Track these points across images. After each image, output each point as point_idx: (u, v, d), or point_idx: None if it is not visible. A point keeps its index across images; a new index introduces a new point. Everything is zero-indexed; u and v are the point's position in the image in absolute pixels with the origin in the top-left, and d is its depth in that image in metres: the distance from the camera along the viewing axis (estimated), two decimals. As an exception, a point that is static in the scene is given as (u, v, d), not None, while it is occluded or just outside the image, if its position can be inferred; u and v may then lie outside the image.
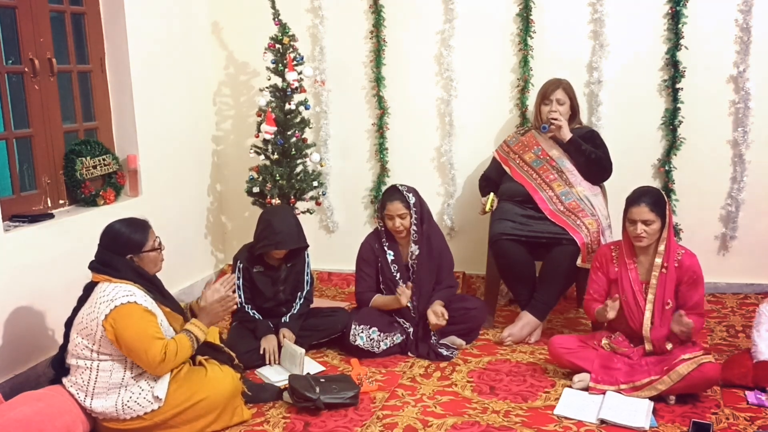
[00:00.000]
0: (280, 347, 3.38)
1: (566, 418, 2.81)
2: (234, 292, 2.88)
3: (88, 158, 3.55)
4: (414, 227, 3.51)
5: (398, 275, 3.57)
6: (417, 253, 3.55)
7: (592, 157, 3.71)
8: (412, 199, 3.51)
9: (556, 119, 3.73)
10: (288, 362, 3.28)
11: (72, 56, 3.60)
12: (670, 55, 3.96)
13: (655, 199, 3.03)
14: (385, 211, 3.54)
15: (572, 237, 3.50)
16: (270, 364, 3.33)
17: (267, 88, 4.07)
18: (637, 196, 3.06)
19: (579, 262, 3.51)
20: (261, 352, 3.35)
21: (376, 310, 3.56)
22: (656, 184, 4.05)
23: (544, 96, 3.84)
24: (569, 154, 3.76)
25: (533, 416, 2.84)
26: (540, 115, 3.86)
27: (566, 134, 3.73)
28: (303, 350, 3.25)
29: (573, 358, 3.12)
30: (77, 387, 2.66)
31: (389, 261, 3.59)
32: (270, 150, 4.09)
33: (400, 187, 3.55)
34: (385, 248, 3.60)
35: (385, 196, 3.59)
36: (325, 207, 4.57)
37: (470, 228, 4.40)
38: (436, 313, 3.42)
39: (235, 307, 2.90)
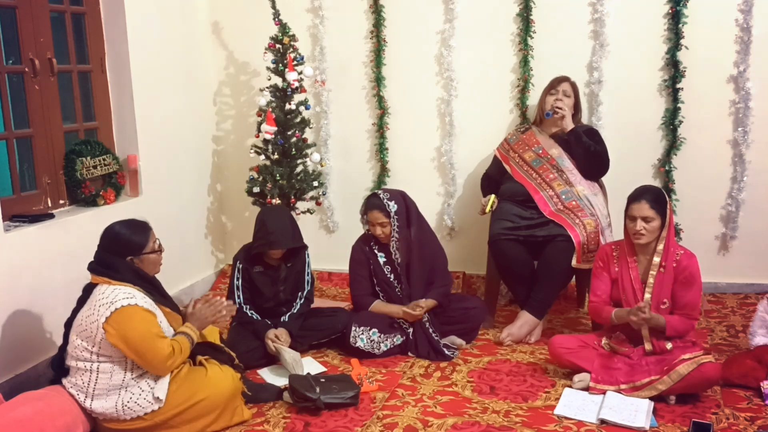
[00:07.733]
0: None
1: (566, 418, 2.81)
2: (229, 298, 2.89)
3: (89, 158, 3.54)
4: (395, 234, 3.50)
5: (392, 276, 3.58)
6: (400, 259, 3.54)
7: (591, 150, 3.72)
8: (392, 207, 3.48)
9: (560, 108, 3.75)
10: (288, 365, 3.25)
11: (72, 56, 3.60)
12: (670, 55, 3.96)
13: (656, 196, 3.04)
14: (367, 218, 3.55)
15: (568, 234, 3.50)
16: (274, 350, 3.30)
17: (267, 88, 4.06)
18: (639, 193, 3.07)
19: (574, 262, 3.50)
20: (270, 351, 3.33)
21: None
22: (656, 184, 4.04)
23: (551, 87, 3.88)
24: (569, 145, 3.77)
25: (533, 416, 2.84)
26: (544, 105, 3.88)
27: (569, 124, 3.76)
28: (297, 353, 3.26)
29: (573, 358, 3.12)
30: (77, 388, 2.66)
31: (381, 264, 3.58)
32: (270, 150, 4.09)
33: (381, 195, 3.53)
34: (375, 251, 3.60)
35: (365, 204, 3.58)
36: (325, 207, 4.57)
37: (470, 228, 4.39)
38: (417, 305, 3.46)
39: (224, 311, 2.88)
